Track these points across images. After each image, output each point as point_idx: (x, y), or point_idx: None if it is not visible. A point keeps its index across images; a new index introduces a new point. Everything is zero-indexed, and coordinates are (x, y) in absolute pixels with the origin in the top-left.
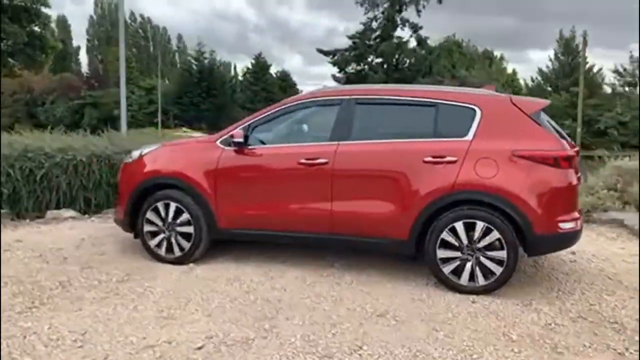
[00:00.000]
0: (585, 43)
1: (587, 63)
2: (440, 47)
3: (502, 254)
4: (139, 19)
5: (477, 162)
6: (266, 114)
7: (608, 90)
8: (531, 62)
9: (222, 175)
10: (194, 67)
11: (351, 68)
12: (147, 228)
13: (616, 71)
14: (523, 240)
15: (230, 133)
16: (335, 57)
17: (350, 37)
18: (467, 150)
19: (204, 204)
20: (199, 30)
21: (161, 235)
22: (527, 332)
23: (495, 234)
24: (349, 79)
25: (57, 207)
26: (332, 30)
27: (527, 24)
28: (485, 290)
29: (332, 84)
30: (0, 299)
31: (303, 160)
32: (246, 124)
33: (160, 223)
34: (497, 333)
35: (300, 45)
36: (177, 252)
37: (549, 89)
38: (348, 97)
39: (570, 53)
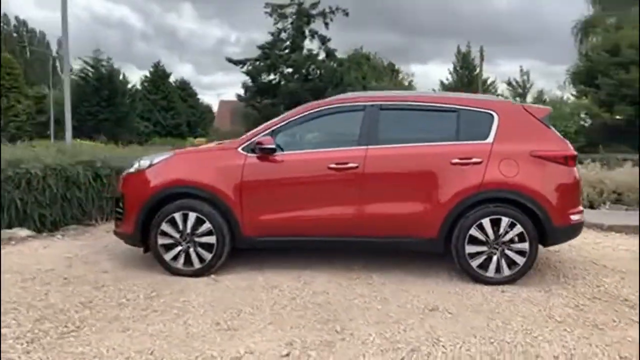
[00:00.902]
0: (482, 57)
1: (482, 76)
2: (349, 59)
3: (525, 246)
4: (13, 22)
5: (500, 162)
6: (290, 119)
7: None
8: (428, 75)
9: (248, 182)
10: (91, 75)
11: (264, 78)
12: (162, 241)
13: (509, 83)
14: (541, 232)
15: (258, 140)
16: (248, 67)
17: (260, 47)
18: (490, 152)
19: (229, 213)
20: (79, 37)
21: (178, 248)
22: (564, 313)
23: (518, 228)
24: (259, 89)
25: (9, 227)
26: (223, 40)
27: (407, 39)
28: (509, 281)
29: (232, 93)
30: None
31: (333, 165)
32: (269, 130)
33: (176, 235)
34: (543, 316)
35: (191, 54)
36: (197, 264)
37: None
38: (372, 103)
39: (467, 67)
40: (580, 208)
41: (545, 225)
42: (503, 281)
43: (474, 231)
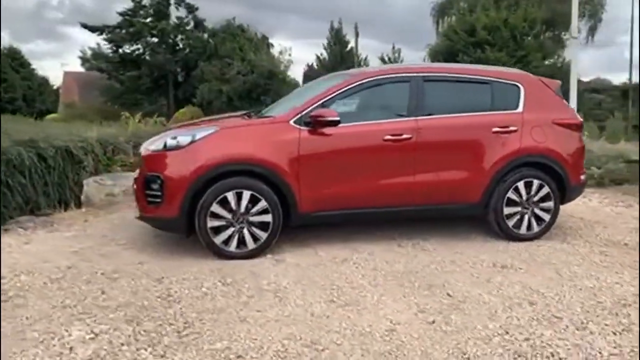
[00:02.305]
0: (357, 34)
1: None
2: (223, 30)
3: (550, 205)
4: None
5: (531, 130)
6: (338, 91)
7: None
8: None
9: (306, 156)
10: None
11: (127, 47)
12: (212, 223)
13: (382, 59)
14: (562, 191)
15: (317, 112)
16: (109, 35)
17: (121, 14)
18: (523, 121)
19: (285, 189)
20: None
21: (230, 230)
22: (597, 259)
23: (546, 189)
24: (123, 60)
25: None
26: (43, 3)
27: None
28: (537, 236)
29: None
30: None
31: (388, 137)
32: (319, 102)
33: (228, 215)
34: (588, 260)
35: (3, 19)
36: (251, 245)
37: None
38: (416, 74)
39: (340, 43)
40: (584, 169)
41: (566, 184)
42: (533, 237)
43: (510, 194)
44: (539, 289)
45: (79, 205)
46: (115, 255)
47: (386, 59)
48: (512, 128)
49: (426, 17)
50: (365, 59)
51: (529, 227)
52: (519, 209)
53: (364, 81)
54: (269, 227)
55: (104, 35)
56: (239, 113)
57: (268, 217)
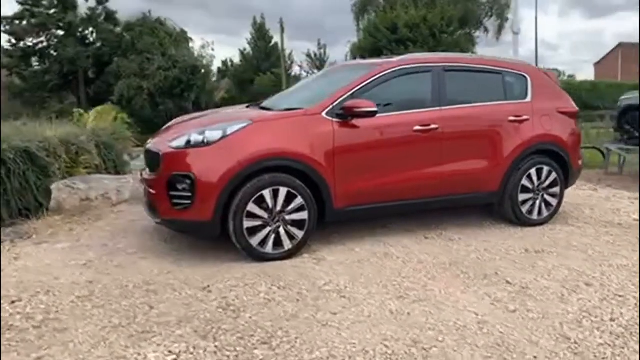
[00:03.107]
0: (282, 29)
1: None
2: (140, 23)
3: (557, 190)
4: None
5: (541, 118)
6: (366, 81)
7: (298, 71)
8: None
9: (341, 149)
10: None
11: (30, 40)
12: (248, 224)
13: (308, 55)
14: (565, 176)
15: (351, 103)
16: (7, 26)
17: (21, 3)
18: (533, 110)
19: (321, 184)
20: None
21: (266, 230)
22: (608, 239)
23: (554, 175)
24: (26, 54)
25: None
26: None
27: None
28: (545, 221)
29: None
30: None
31: (418, 128)
32: (348, 93)
33: (265, 215)
34: (602, 240)
35: None
36: (288, 245)
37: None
38: (438, 64)
39: (264, 38)
40: (581, 155)
41: (569, 170)
42: (542, 222)
43: (525, 181)
44: (585, 271)
45: (46, 213)
46: (134, 266)
47: (312, 55)
48: (525, 117)
49: (346, 13)
50: (291, 54)
51: (540, 212)
52: (531, 195)
53: (390, 71)
54: (305, 225)
55: (1, 27)
56: (243, 105)
57: (304, 215)
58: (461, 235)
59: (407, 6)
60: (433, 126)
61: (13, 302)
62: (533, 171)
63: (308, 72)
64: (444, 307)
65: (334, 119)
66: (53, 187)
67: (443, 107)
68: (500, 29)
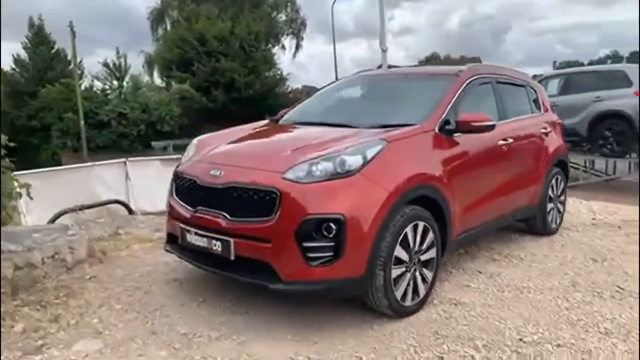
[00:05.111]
0: (73, 34)
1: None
2: None
3: (563, 198)
4: None
5: (554, 129)
6: (458, 93)
7: (97, 83)
8: None
9: (455, 169)
10: None
11: None
12: (395, 272)
13: (106, 65)
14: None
15: (470, 117)
16: None
17: None
18: (549, 121)
19: (447, 212)
20: None
21: (407, 276)
22: (617, 239)
23: (563, 184)
24: None
25: None
26: None
27: None
28: (557, 229)
29: None
30: None
31: (501, 142)
32: (448, 107)
33: (407, 257)
34: (617, 240)
35: None
36: (422, 291)
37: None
38: (495, 75)
39: (44, 43)
40: None
41: (567, 178)
42: (556, 230)
43: (549, 191)
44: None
45: None
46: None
47: (110, 64)
48: (549, 129)
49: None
50: (81, 62)
51: (554, 220)
52: (552, 205)
53: (469, 81)
54: (434, 264)
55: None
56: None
57: (433, 252)
58: (526, 254)
59: (209, 18)
60: (509, 140)
61: None
62: (553, 182)
63: (106, 84)
64: None
65: (445, 135)
66: None
67: (507, 120)
68: (297, 47)
